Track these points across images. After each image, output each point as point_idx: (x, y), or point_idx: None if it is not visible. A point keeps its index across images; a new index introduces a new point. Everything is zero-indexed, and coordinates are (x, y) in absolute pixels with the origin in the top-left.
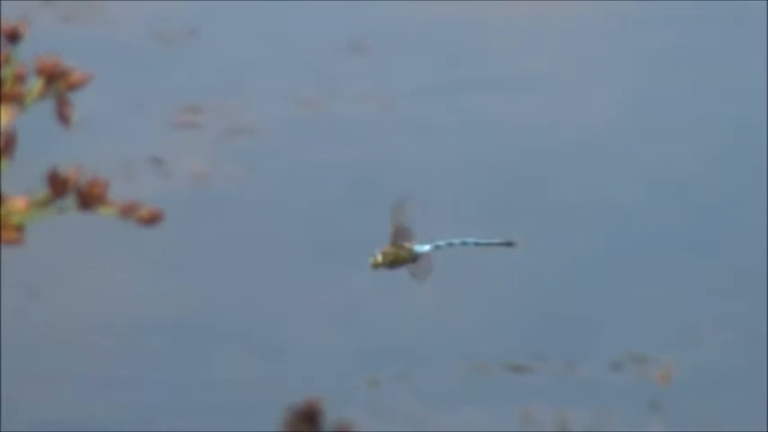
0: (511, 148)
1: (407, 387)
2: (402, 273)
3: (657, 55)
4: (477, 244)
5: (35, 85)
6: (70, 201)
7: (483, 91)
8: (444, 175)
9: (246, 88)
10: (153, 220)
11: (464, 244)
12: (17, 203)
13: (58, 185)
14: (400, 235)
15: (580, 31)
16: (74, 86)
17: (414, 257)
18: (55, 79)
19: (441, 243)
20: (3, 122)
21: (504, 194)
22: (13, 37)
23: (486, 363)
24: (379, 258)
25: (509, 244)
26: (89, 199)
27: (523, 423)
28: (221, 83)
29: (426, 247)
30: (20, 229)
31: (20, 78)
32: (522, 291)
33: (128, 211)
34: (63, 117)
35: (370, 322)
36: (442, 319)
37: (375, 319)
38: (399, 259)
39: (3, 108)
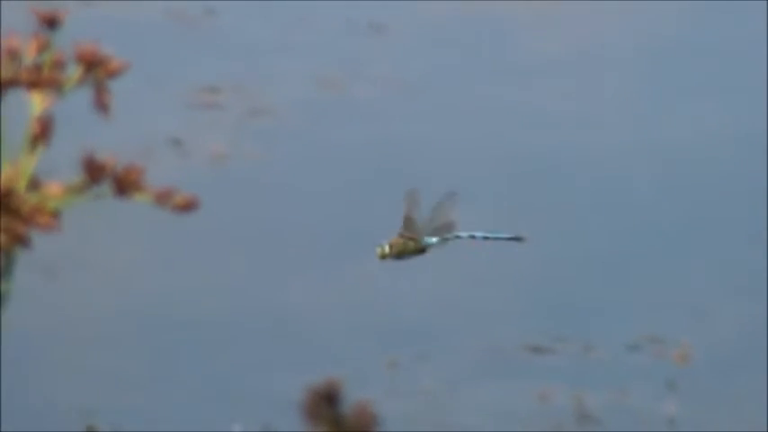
0: (528, 133)
1: (426, 368)
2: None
3: (670, 37)
4: (485, 238)
5: (74, 72)
6: (106, 187)
7: (502, 75)
8: (462, 159)
9: (266, 69)
10: (188, 207)
11: (472, 237)
12: (53, 189)
13: (94, 171)
14: (410, 225)
15: (595, 14)
16: (112, 74)
17: (421, 249)
18: (94, 67)
19: (449, 236)
20: (40, 109)
21: (521, 179)
22: (52, 23)
23: (504, 344)
24: (387, 249)
25: (517, 239)
26: (125, 185)
27: (541, 403)
28: (240, 64)
29: (434, 240)
30: (55, 214)
31: (58, 65)
32: (540, 272)
33: (163, 198)
34: (101, 105)
35: (388, 303)
36: (461, 300)
37: (394, 301)
38: (407, 251)
39: (41, 94)
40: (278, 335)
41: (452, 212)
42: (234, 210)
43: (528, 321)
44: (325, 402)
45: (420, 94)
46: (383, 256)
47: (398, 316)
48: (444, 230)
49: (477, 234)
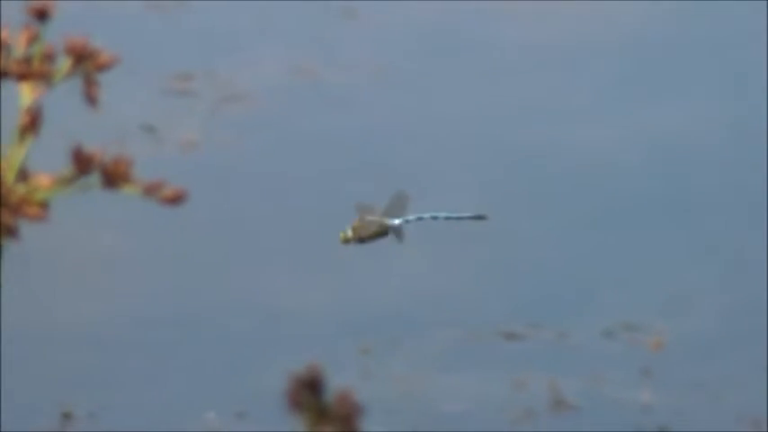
0: (506, 113)
1: (400, 354)
2: (392, 240)
3: (659, 19)
4: (447, 218)
5: (63, 64)
6: (94, 178)
7: (475, 54)
8: (438, 142)
9: (239, 55)
10: (176, 199)
11: (434, 218)
12: (42, 180)
13: (82, 163)
14: (366, 210)
15: (581, 3)
16: (102, 67)
17: (384, 231)
18: (83, 59)
19: (411, 217)
20: (30, 100)
21: (499, 166)
22: (42, 15)
23: (478, 330)
24: (350, 233)
25: (479, 217)
26: (113, 177)
27: (516, 390)
28: (213, 50)
29: (397, 221)
30: (44, 205)
31: (48, 57)
32: (515, 259)
33: (152, 191)
34: (91, 97)
35: (361, 289)
36: (435, 285)
37: (367, 287)
38: (369, 233)
39: (30, 86)
40: (251, 322)
41: (404, 208)
42: (206, 197)
43: (503, 308)
44: (308, 390)
45: (395, 80)
46: (346, 240)
47: (371, 302)
48: (401, 211)
49: (440, 214)
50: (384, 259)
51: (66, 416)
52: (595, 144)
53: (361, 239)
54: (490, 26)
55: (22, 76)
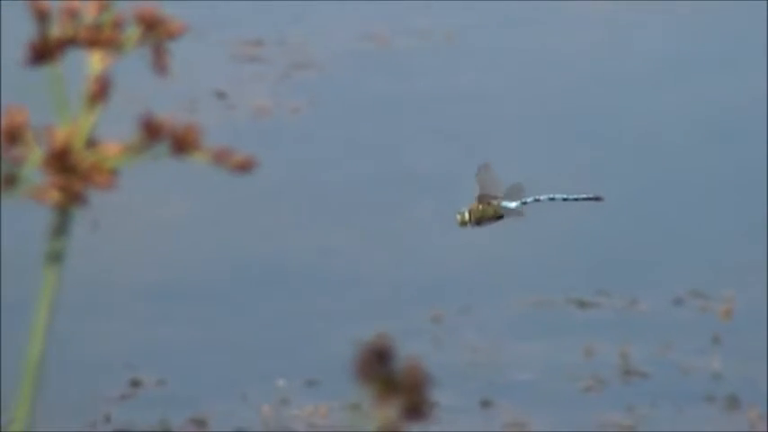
0: (565, 82)
1: (471, 322)
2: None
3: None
4: (564, 199)
5: (133, 32)
6: (164, 146)
7: (542, 25)
8: (505, 108)
9: (309, 22)
10: (246, 166)
11: (551, 199)
12: (111, 149)
13: (152, 130)
14: (486, 192)
15: None
16: (171, 35)
17: (500, 215)
18: (153, 27)
19: (528, 199)
20: (99, 68)
21: (564, 127)
22: None
23: (549, 298)
24: (467, 216)
25: (596, 199)
26: (183, 145)
27: (586, 357)
28: (284, 17)
29: (513, 204)
30: (113, 173)
31: (118, 25)
32: (586, 228)
33: (221, 158)
34: (160, 66)
35: (434, 257)
36: (505, 254)
37: (439, 255)
38: (486, 216)
39: (100, 54)
40: (323, 288)
41: (491, 180)
42: (278, 161)
43: (573, 276)
44: (377, 360)
45: (464, 47)
46: (463, 223)
47: (443, 270)
48: (518, 195)
49: (557, 196)
50: (455, 228)
51: (135, 383)
52: (656, 114)
53: (479, 222)
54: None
55: (92, 44)
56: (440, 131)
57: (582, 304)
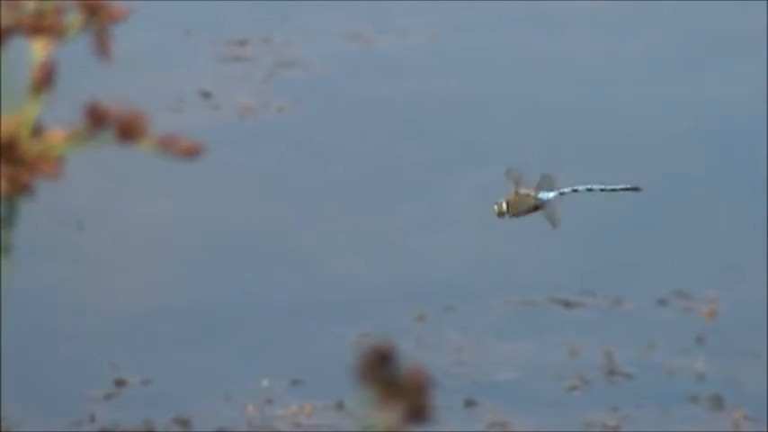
0: (555, 82)
1: (455, 322)
2: (451, 209)
3: None
4: (602, 190)
5: (75, 18)
6: (109, 133)
7: (528, 26)
8: (490, 109)
9: (294, 22)
10: (192, 152)
11: (589, 190)
12: (55, 136)
13: (96, 118)
14: (520, 183)
15: None
16: (114, 20)
17: (538, 205)
18: (95, 13)
19: (565, 190)
20: (42, 55)
21: (549, 133)
22: None
23: (533, 298)
24: (504, 206)
25: (635, 189)
26: (129, 132)
27: (570, 357)
28: (269, 17)
29: (551, 195)
30: (58, 161)
31: (60, 11)
32: (570, 228)
33: (167, 145)
34: (103, 51)
35: (416, 256)
36: (490, 253)
37: (423, 254)
38: (524, 207)
39: (42, 41)
40: (307, 287)
41: (519, 175)
42: (262, 161)
43: (557, 276)
44: (380, 362)
45: (446, 46)
46: (501, 214)
47: (427, 270)
48: (554, 185)
49: (595, 186)
50: (439, 227)
51: (120, 382)
52: (642, 114)
53: (516, 214)
54: None
55: (34, 32)
56: (424, 132)
57: (566, 304)
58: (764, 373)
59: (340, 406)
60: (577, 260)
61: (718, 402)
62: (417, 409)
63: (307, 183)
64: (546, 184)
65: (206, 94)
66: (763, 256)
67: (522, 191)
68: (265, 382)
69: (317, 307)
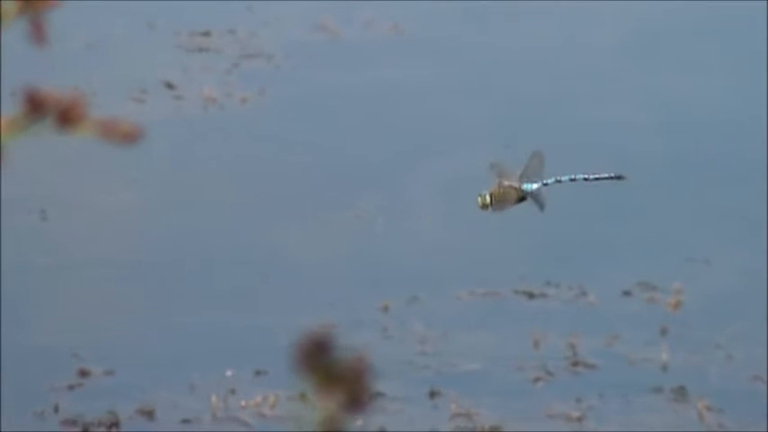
0: (519, 73)
1: (420, 312)
2: (416, 200)
3: None
4: (586, 179)
5: (10, 5)
6: (48, 120)
7: (491, 17)
8: (453, 100)
9: (259, 13)
10: (133, 136)
11: (572, 180)
12: None
13: (36, 105)
14: (505, 176)
15: None
16: (48, 6)
17: (522, 197)
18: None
19: (549, 180)
20: None
21: (512, 117)
22: None
23: (497, 289)
24: (488, 198)
25: (618, 177)
26: (69, 118)
27: (534, 348)
28: (233, 7)
29: (534, 186)
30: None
31: None
32: (534, 218)
33: (108, 130)
34: (38, 37)
35: (382, 248)
36: (454, 244)
37: (388, 245)
38: (508, 199)
39: None
40: (271, 278)
41: (541, 169)
42: (225, 152)
43: (521, 267)
44: (317, 351)
45: (410, 37)
46: (484, 206)
47: (392, 260)
48: (538, 175)
49: (578, 176)
50: (404, 218)
51: (83, 373)
52: (606, 106)
53: (500, 205)
54: None
55: None
56: (388, 123)
57: (530, 295)
58: (728, 364)
59: (304, 396)
60: (541, 251)
61: (681, 393)
62: (356, 398)
63: (271, 173)
64: (535, 164)
65: (170, 85)
66: (727, 248)
67: (506, 183)
68: (229, 373)
69: (280, 297)
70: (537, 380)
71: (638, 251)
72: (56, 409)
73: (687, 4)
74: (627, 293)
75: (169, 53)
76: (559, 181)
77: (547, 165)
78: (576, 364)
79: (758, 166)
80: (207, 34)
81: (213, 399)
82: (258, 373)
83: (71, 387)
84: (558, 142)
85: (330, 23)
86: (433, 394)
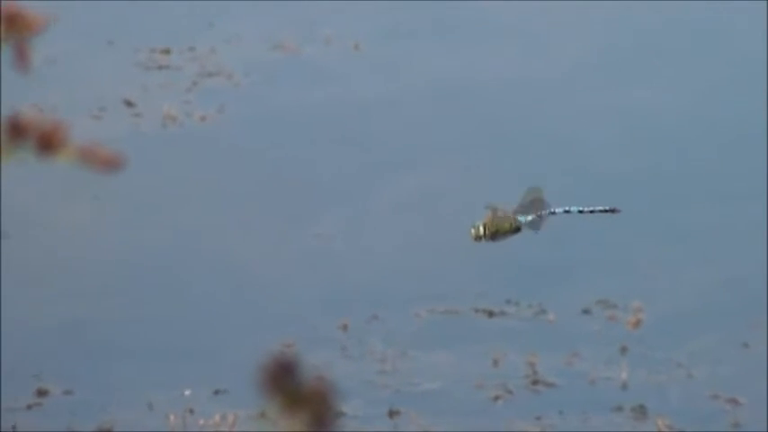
0: (479, 89)
1: (377, 331)
2: (375, 218)
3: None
4: (580, 212)
5: None
6: (29, 146)
7: (452, 33)
8: (413, 116)
9: (218, 30)
10: (113, 163)
11: (567, 212)
12: None
13: (18, 131)
14: (497, 209)
15: None
16: (33, 31)
17: (516, 228)
18: (13, 24)
19: (543, 212)
20: None
21: (473, 135)
22: None
23: (457, 307)
24: (481, 230)
25: (612, 211)
26: (49, 144)
27: (494, 366)
28: (193, 25)
29: (529, 218)
30: None
31: None
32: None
33: (87, 156)
34: (23, 63)
35: (341, 266)
36: (413, 263)
37: (347, 264)
38: (502, 230)
39: None
40: (230, 297)
41: (540, 204)
42: (185, 170)
43: (481, 285)
44: (282, 373)
45: (370, 54)
46: (478, 237)
47: (351, 278)
48: (534, 207)
49: (572, 208)
50: (363, 235)
51: (42, 392)
52: (569, 117)
53: (493, 237)
54: (465, 5)
55: None
56: (347, 142)
57: (490, 314)
58: (688, 383)
59: (263, 415)
60: (501, 269)
61: (641, 412)
62: (320, 418)
63: (230, 191)
64: (531, 199)
65: (129, 103)
66: (686, 267)
67: (500, 214)
68: (187, 392)
69: (239, 315)
70: (497, 398)
71: (598, 269)
72: (14, 429)
73: (656, 20)
74: (586, 312)
75: (128, 70)
76: (554, 213)
77: (506, 180)
78: (535, 382)
79: (716, 185)
80: (167, 52)
81: (171, 418)
82: (217, 392)
83: (29, 407)
84: (518, 158)
85: (290, 41)
86: (392, 413)
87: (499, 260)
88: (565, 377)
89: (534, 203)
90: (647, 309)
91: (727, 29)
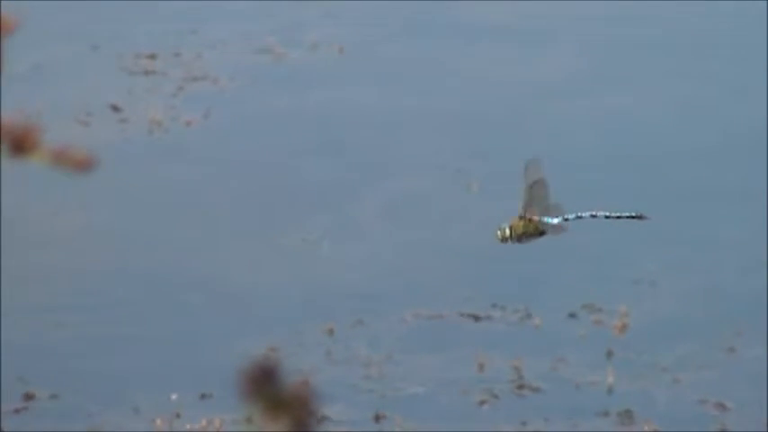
0: (465, 95)
1: (363, 335)
2: (361, 222)
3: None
4: (607, 217)
5: None
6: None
7: (438, 39)
8: (398, 122)
9: (204, 36)
10: (86, 164)
11: (593, 217)
12: None
13: None
14: (530, 208)
15: None
16: (5, 32)
17: (541, 231)
18: None
19: (570, 216)
20: None
21: (461, 144)
22: None
23: (442, 311)
24: (507, 232)
25: (639, 217)
26: (22, 145)
27: (479, 371)
28: (179, 30)
29: (555, 221)
30: None
31: None
32: (480, 241)
33: (61, 157)
34: None
35: (326, 271)
36: (399, 267)
37: (332, 269)
38: (528, 233)
39: None
40: (216, 301)
41: (547, 195)
42: (171, 175)
43: (466, 289)
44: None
45: (355, 59)
46: (504, 239)
47: (336, 283)
48: (555, 211)
49: (599, 213)
50: (349, 240)
51: (28, 396)
52: (554, 124)
53: (519, 239)
54: (456, 5)
55: None
56: (333, 146)
57: (475, 318)
58: (674, 388)
59: (249, 420)
60: (486, 274)
61: (627, 416)
62: (302, 423)
63: (216, 196)
64: (553, 212)
65: (115, 108)
66: (672, 271)
67: (527, 216)
68: (174, 396)
69: (225, 320)
70: (482, 403)
71: (584, 274)
72: None
73: (640, 31)
74: (572, 316)
75: (114, 76)
76: (580, 217)
77: (492, 186)
78: (521, 387)
79: (702, 188)
80: (152, 57)
81: (158, 422)
82: (203, 396)
83: (17, 411)
84: (504, 165)
85: (275, 46)
86: (378, 418)
87: (485, 264)
88: (550, 382)
89: (545, 198)
90: (633, 313)
91: (727, 30)
